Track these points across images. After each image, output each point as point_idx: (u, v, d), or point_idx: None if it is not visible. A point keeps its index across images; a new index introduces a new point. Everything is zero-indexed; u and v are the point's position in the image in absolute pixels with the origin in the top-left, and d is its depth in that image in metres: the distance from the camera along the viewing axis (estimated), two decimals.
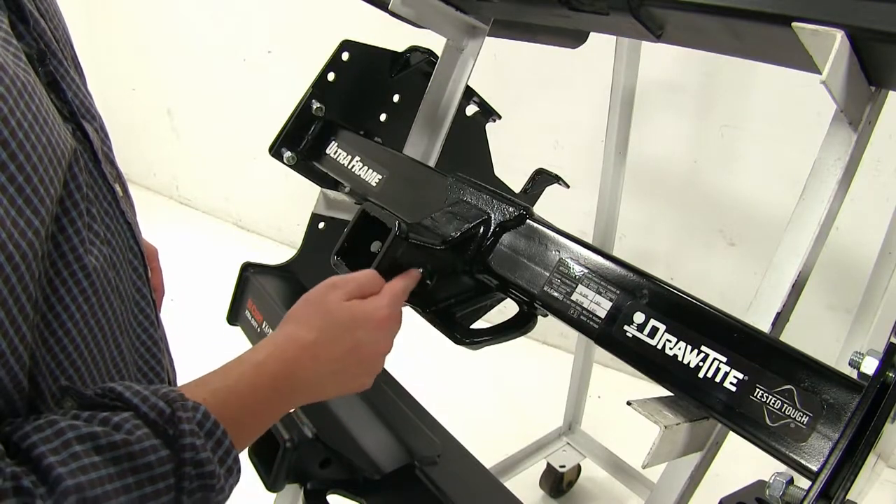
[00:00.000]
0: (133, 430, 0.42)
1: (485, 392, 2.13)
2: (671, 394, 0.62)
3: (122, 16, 3.26)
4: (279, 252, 2.83)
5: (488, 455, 1.33)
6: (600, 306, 0.68)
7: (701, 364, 0.59)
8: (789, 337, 0.62)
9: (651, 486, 1.36)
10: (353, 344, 0.62)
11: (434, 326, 0.81)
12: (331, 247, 0.77)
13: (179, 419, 0.44)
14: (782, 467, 0.54)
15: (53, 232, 0.45)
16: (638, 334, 0.64)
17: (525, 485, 1.71)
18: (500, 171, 1.35)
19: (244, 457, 0.83)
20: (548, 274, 0.74)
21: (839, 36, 0.59)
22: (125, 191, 0.60)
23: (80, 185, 0.48)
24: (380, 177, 1.00)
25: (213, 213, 3.36)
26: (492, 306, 0.88)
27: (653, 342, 0.63)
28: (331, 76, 1.13)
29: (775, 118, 1.79)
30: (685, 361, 0.60)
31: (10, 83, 0.40)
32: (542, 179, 1.09)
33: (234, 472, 0.47)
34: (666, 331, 0.62)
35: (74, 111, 0.52)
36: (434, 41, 1.15)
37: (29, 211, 0.40)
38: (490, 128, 1.31)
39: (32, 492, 0.37)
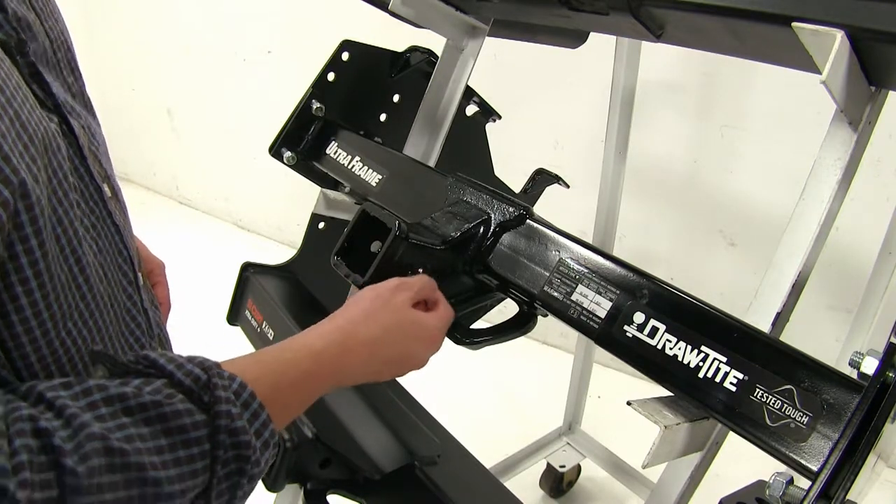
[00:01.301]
0: (168, 396, 0.40)
1: (485, 392, 2.12)
2: (671, 394, 0.62)
3: (122, 16, 3.26)
4: (279, 252, 2.83)
5: (488, 455, 1.33)
6: (600, 306, 0.68)
7: (701, 364, 0.59)
8: (789, 337, 0.62)
9: (651, 486, 1.36)
10: (406, 351, 0.64)
11: None
12: (331, 247, 0.77)
13: (215, 385, 0.42)
14: (782, 467, 0.54)
15: (53, 223, 0.44)
16: (638, 334, 0.64)
17: (525, 485, 1.71)
18: (500, 171, 1.35)
19: None
20: (548, 274, 0.74)
21: (839, 36, 0.59)
22: (115, 193, 0.59)
23: (66, 174, 0.46)
24: (380, 177, 1.00)
25: (213, 213, 3.36)
26: (492, 306, 0.88)
27: (653, 342, 0.63)
28: (331, 76, 1.13)
29: (775, 118, 1.79)
30: (685, 361, 0.60)
31: None
32: (542, 179, 1.09)
33: (269, 447, 0.46)
34: (666, 331, 0.62)
35: (59, 104, 0.51)
36: (434, 41, 1.15)
37: None
38: (490, 128, 1.31)
39: (51, 432, 0.35)
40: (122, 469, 0.36)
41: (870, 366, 0.51)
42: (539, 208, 0.85)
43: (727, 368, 0.58)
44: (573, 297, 0.71)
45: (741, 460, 0.81)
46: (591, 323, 0.68)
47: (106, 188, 0.55)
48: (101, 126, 0.63)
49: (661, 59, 1.72)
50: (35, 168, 0.41)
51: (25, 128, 0.41)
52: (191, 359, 0.44)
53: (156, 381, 0.41)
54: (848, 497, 0.47)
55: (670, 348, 0.62)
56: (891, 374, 0.49)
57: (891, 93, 0.68)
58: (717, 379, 0.58)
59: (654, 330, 0.63)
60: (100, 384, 0.39)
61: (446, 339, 0.80)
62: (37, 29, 0.52)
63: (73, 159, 0.51)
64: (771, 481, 0.54)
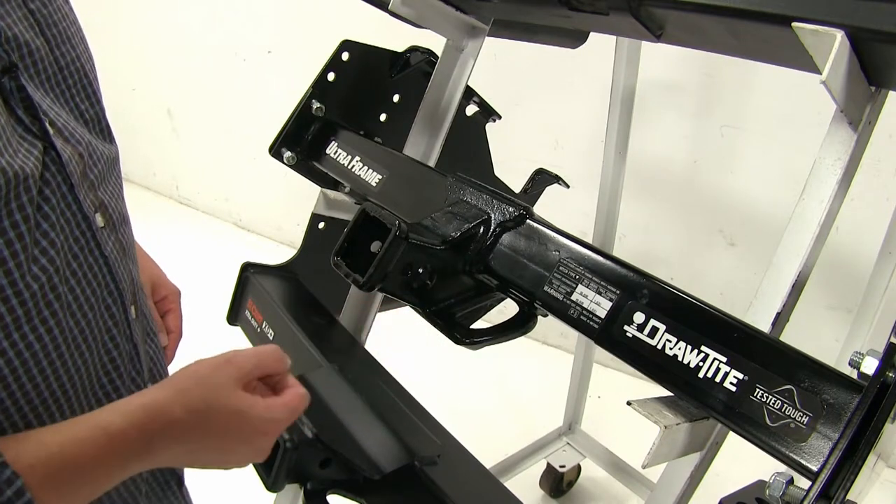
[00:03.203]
0: None
1: (485, 392, 2.12)
2: (671, 394, 0.62)
3: (122, 16, 3.26)
4: (279, 252, 2.83)
5: (488, 455, 1.32)
6: (600, 306, 0.68)
7: (701, 364, 0.59)
8: (789, 337, 0.62)
9: (651, 486, 1.36)
10: (225, 446, 0.54)
11: (434, 326, 0.81)
12: (331, 247, 0.77)
13: None
14: (782, 467, 0.54)
15: None
16: (638, 334, 0.64)
17: (525, 485, 1.71)
18: (500, 171, 1.35)
19: None
20: (548, 274, 0.74)
21: (839, 36, 0.59)
22: (112, 222, 0.56)
23: (22, 204, 0.45)
24: (380, 177, 1.00)
25: (213, 213, 3.36)
26: (492, 306, 0.88)
27: (653, 342, 0.63)
28: (331, 76, 1.13)
29: (775, 118, 1.79)
30: (685, 361, 0.60)
31: None
32: (542, 179, 1.09)
33: None
34: (666, 331, 0.62)
35: (46, 130, 0.49)
36: (434, 41, 1.15)
37: None
38: (490, 128, 1.31)
39: None
40: None
41: (870, 366, 0.51)
42: (539, 208, 0.86)
43: (727, 368, 0.58)
44: (573, 297, 0.71)
45: (741, 460, 0.81)
46: (591, 323, 0.68)
47: (98, 218, 0.53)
48: (118, 152, 0.62)
49: (661, 59, 1.72)
50: None
51: None
52: None
53: None
54: (848, 497, 0.47)
55: (670, 348, 0.62)
56: (891, 374, 0.49)
57: (891, 93, 0.68)
58: (717, 379, 0.58)
59: (654, 330, 0.63)
60: None
61: (446, 339, 0.80)
62: (41, 55, 0.51)
63: (60, 187, 0.49)
64: (771, 481, 0.54)
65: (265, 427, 0.56)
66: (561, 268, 0.73)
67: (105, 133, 0.60)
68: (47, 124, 0.50)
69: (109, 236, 0.55)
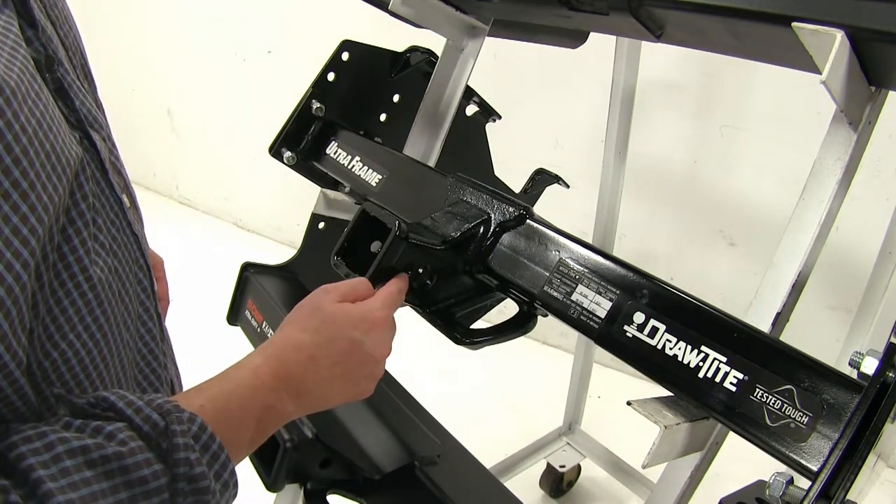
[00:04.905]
0: (126, 442, 0.41)
1: (485, 392, 2.13)
2: (671, 394, 0.62)
3: (122, 16, 3.26)
4: (279, 252, 2.83)
5: (488, 455, 1.33)
6: (600, 306, 0.68)
7: (701, 364, 0.59)
8: (789, 337, 0.62)
9: (651, 486, 1.36)
10: (350, 345, 0.60)
11: (434, 326, 0.81)
12: (331, 247, 0.77)
13: (174, 432, 0.42)
14: (782, 467, 0.54)
15: (59, 242, 0.44)
16: (638, 334, 0.64)
17: (525, 485, 1.71)
18: (500, 171, 1.35)
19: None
20: (548, 274, 0.74)
21: (839, 36, 0.59)
22: (133, 202, 0.59)
23: (85, 194, 0.47)
24: (380, 177, 1.00)
25: (213, 213, 3.36)
26: (492, 306, 0.88)
27: (653, 342, 0.63)
28: (331, 76, 1.13)
29: (775, 118, 1.79)
30: (685, 361, 0.60)
31: (14, 88, 0.39)
32: (542, 179, 1.09)
33: (230, 487, 0.46)
34: (666, 331, 0.62)
35: (82, 119, 0.51)
36: (434, 41, 1.15)
37: (34, 219, 0.39)
38: (490, 128, 1.31)
39: None
40: None
41: (870, 366, 0.51)
42: (539, 208, 0.86)
43: (727, 368, 0.58)
44: (573, 297, 0.71)
45: (741, 460, 0.81)
46: (591, 323, 0.68)
47: (125, 199, 0.55)
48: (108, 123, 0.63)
49: (661, 59, 1.72)
50: (56, 198, 0.42)
51: (60, 158, 0.43)
52: (149, 402, 0.44)
53: (116, 423, 0.42)
54: (848, 497, 0.47)
55: (670, 348, 0.62)
56: (891, 374, 0.49)
57: (891, 93, 0.68)
58: (717, 379, 0.58)
59: (654, 330, 0.63)
60: (61, 437, 0.39)
61: (446, 339, 0.80)
62: (56, 41, 0.51)
63: (94, 174, 0.51)
64: (771, 481, 0.54)
65: (370, 317, 0.62)
66: (561, 268, 0.73)
67: (101, 109, 0.61)
68: (83, 114, 0.51)
69: (133, 215, 0.58)
